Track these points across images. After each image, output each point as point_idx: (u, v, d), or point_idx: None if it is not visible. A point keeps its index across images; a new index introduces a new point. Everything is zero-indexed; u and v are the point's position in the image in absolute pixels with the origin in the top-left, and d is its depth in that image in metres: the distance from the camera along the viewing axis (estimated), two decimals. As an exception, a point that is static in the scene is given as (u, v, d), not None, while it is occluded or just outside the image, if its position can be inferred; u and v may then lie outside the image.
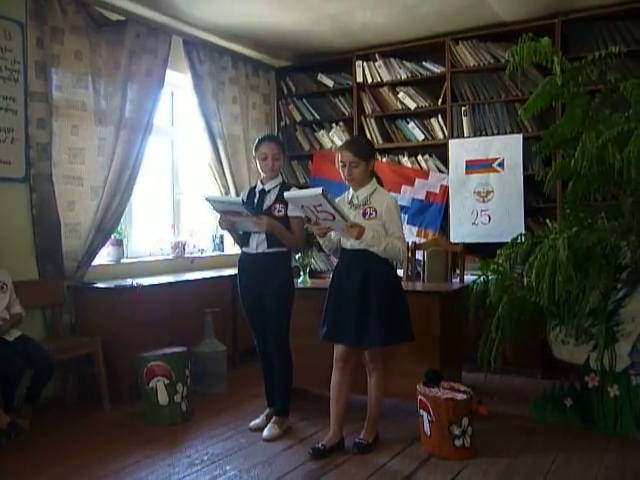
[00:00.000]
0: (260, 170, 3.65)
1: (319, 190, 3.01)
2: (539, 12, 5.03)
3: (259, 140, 3.64)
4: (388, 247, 3.20)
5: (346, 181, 3.35)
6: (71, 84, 4.36)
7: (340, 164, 3.31)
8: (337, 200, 3.37)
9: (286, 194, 3.30)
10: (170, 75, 5.15)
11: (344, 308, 3.28)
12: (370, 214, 3.26)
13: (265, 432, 3.58)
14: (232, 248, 5.87)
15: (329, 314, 3.35)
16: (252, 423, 3.74)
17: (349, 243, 3.31)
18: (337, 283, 3.36)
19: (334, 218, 3.12)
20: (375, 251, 3.20)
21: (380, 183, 3.42)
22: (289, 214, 3.50)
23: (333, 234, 3.36)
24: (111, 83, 4.60)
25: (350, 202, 3.35)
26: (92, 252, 4.52)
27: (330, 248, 3.44)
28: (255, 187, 3.69)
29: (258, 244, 3.56)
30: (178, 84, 5.48)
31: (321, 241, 3.38)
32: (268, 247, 3.54)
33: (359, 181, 3.32)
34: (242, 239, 3.65)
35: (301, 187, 6.24)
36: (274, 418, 3.66)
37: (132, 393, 4.13)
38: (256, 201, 3.59)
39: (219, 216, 3.54)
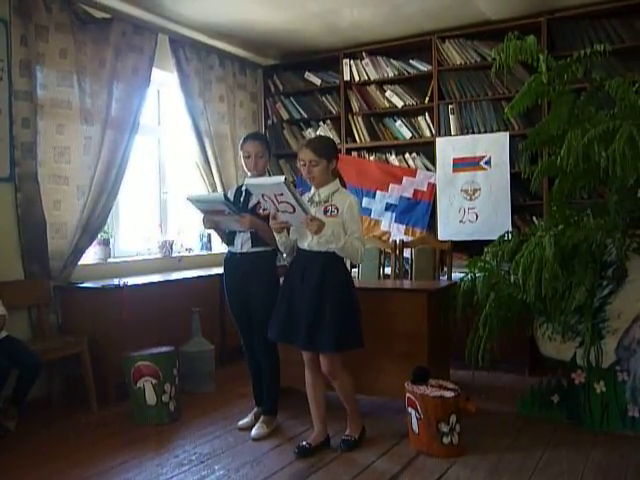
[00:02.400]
0: (245, 169, 3.64)
1: (281, 178, 2.98)
2: (525, 10, 5.05)
3: (243, 139, 3.63)
4: (347, 245, 3.15)
5: (306, 179, 3.31)
6: (56, 82, 4.32)
7: (300, 162, 3.26)
8: None
9: (247, 180, 3.28)
10: (156, 73, 5.12)
11: (297, 310, 3.23)
12: (332, 211, 3.22)
13: (253, 431, 3.57)
14: (220, 247, 5.83)
15: (280, 314, 3.30)
16: (240, 422, 3.73)
17: (306, 243, 3.25)
18: (291, 284, 3.30)
19: (294, 210, 3.07)
20: (333, 248, 3.15)
21: (343, 184, 3.37)
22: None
23: (291, 232, 3.29)
24: (97, 81, 4.56)
25: (311, 199, 3.31)
26: (78, 252, 4.49)
27: (286, 246, 3.36)
28: (241, 186, 3.68)
29: (243, 243, 3.56)
30: (164, 82, 5.46)
31: (277, 237, 3.30)
32: (252, 246, 3.53)
33: (319, 180, 3.27)
34: (228, 238, 3.65)
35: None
36: (262, 417, 3.65)
37: (119, 393, 4.11)
38: (242, 200, 3.58)
39: (203, 216, 3.53)
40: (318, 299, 3.18)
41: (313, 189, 3.34)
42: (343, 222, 3.21)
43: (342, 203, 3.23)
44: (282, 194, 3.02)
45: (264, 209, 3.28)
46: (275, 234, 3.30)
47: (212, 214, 3.46)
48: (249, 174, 3.62)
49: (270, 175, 3.68)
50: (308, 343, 3.21)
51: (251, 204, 3.54)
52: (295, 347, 3.31)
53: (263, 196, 3.15)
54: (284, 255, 3.57)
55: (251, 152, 3.55)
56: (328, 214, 3.21)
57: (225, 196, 3.39)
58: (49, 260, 4.30)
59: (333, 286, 3.20)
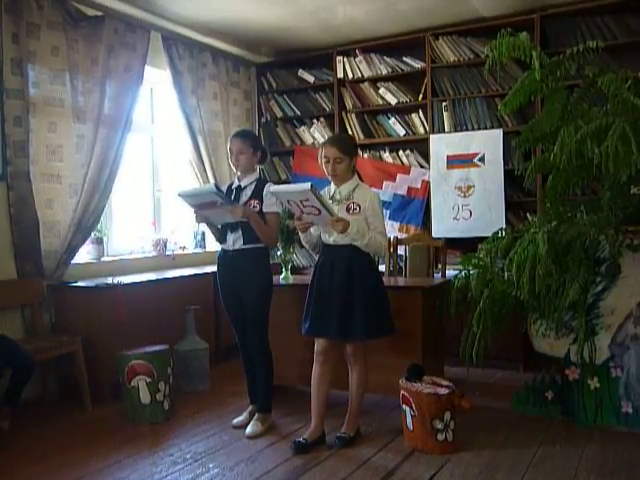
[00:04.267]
0: (232, 167, 3.69)
1: (307, 185, 3.03)
2: (518, 7, 5.06)
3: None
4: (371, 241, 3.24)
5: (329, 177, 3.36)
6: (48, 80, 4.30)
7: (324, 159, 3.31)
8: None
9: (272, 188, 3.33)
10: (149, 71, 5.11)
11: (327, 302, 3.29)
12: (354, 209, 3.28)
13: (248, 429, 3.57)
14: (214, 245, 5.82)
15: (312, 309, 3.35)
16: (235, 420, 3.73)
17: (331, 239, 3.32)
18: (320, 278, 3.36)
19: (320, 213, 3.14)
20: (358, 245, 3.23)
21: (361, 179, 3.44)
22: (264, 210, 3.50)
23: (313, 229, 3.37)
24: (89, 79, 4.54)
25: (332, 197, 3.36)
26: (72, 251, 4.47)
27: (311, 244, 3.45)
28: (232, 184, 3.70)
29: (235, 240, 3.56)
30: (157, 80, 5.44)
31: (302, 236, 3.40)
32: (244, 243, 3.54)
33: (342, 177, 3.34)
34: (220, 235, 3.65)
35: (279, 183, 6.26)
36: (257, 415, 3.65)
37: (114, 392, 4.10)
38: (232, 198, 3.59)
39: (194, 211, 3.53)
40: (348, 290, 3.25)
41: (333, 186, 3.39)
42: (366, 218, 3.28)
43: (363, 199, 3.30)
44: (308, 199, 3.09)
45: (289, 211, 3.38)
46: (300, 234, 3.39)
47: (203, 208, 3.47)
48: (236, 172, 3.66)
49: (261, 173, 3.69)
50: (340, 333, 3.27)
51: (241, 202, 3.55)
52: (328, 338, 3.33)
53: (289, 202, 3.22)
54: (310, 250, 3.61)
55: (233, 150, 3.59)
56: (351, 212, 3.28)
57: (216, 186, 3.42)
58: (42, 259, 4.28)
59: (361, 277, 3.27)
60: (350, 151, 3.33)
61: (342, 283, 3.26)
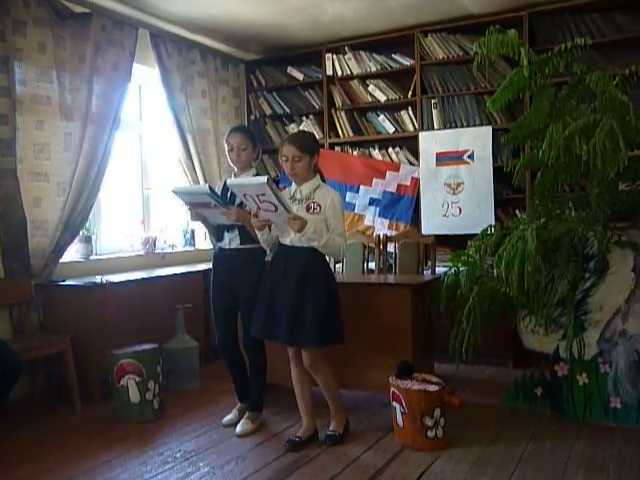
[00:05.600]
0: (230, 163, 3.62)
1: (264, 179, 2.98)
2: (507, 5, 5.07)
3: (227, 132, 3.61)
4: (329, 243, 3.18)
5: (289, 175, 3.31)
6: (35, 78, 4.26)
7: (283, 158, 3.25)
8: None
9: (229, 181, 3.27)
10: (137, 69, 5.07)
11: (278, 305, 3.24)
12: (314, 209, 3.22)
13: (238, 428, 3.56)
14: (203, 243, 5.83)
15: (262, 310, 3.30)
16: (225, 419, 3.72)
17: (288, 239, 3.26)
18: (272, 279, 3.30)
19: (276, 209, 3.07)
20: (315, 245, 3.17)
21: (322, 179, 3.37)
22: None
23: (272, 228, 3.30)
24: (76, 77, 4.51)
25: (292, 196, 3.30)
26: (60, 249, 4.45)
27: (268, 243, 3.36)
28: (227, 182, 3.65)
29: (231, 240, 3.54)
30: (146, 78, 5.40)
31: (259, 234, 3.31)
32: (241, 243, 3.51)
33: (302, 176, 3.27)
34: (217, 234, 3.62)
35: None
36: (247, 414, 3.64)
37: (103, 391, 4.08)
38: (229, 195, 3.55)
39: (188, 208, 3.50)
40: (300, 295, 3.19)
41: (294, 185, 3.34)
42: (326, 219, 3.21)
43: (324, 200, 3.23)
44: (264, 194, 3.01)
45: (245, 205, 3.27)
46: (257, 232, 3.29)
47: (198, 207, 3.43)
48: (234, 167, 3.60)
49: (255, 168, 3.65)
50: (290, 339, 3.22)
51: (237, 200, 3.52)
52: (277, 343, 3.31)
53: (245, 196, 3.14)
54: (267, 251, 3.56)
55: (233, 145, 3.52)
56: (311, 211, 3.22)
57: (210, 188, 3.35)
58: (30, 258, 4.25)
59: (315, 282, 3.20)
60: (310, 149, 3.24)
61: (295, 286, 3.19)
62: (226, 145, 3.57)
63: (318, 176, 3.35)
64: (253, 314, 3.36)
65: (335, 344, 3.26)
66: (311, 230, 3.12)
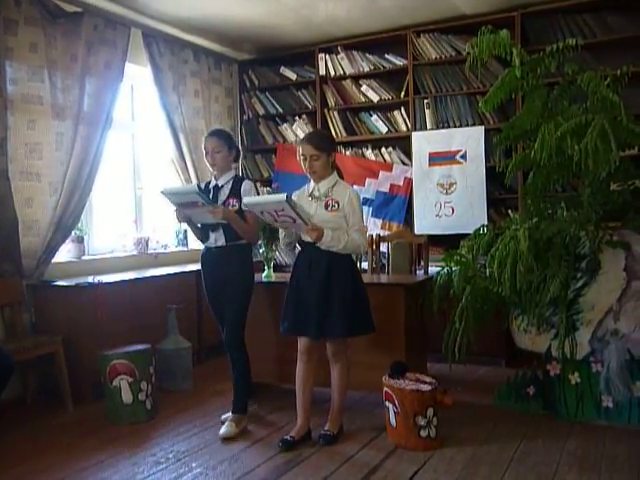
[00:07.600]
0: (209, 167, 3.69)
1: (283, 196, 3.01)
2: (499, 5, 5.09)
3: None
4: (348, 245, 3.23)
5: (307, 174, 3.35)
6: (26, 77, 4.24)
7: (301, 157, 3.31)
8: (297, 193, 3.39)
9: (246, 200, 3.31)
10: (130, 68, 5.06)
11: (306, 301, 3.28)
12: (333, 206, 3.27)
13: (222, 430, 3.51)
14: (196, 243, 5.79)
15: (290, 307, 3.35)
16: (224, 417, 3.69)
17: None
18: (298, 276, 3.35)
19: (294, 222, 3.14)
20: (335, 250, 3.23)
21: (340, 175, 3.43)
22: (243, 208, 3.48)
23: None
24: (68, 76, 4.49)
25: (311, 194, 3.35)
26: (51, 249, 4.43)
27: (290, 241, 3.44)
28: (209, 183, 3.69)
29: (217, 239, 3.57)
30: (138, 77, 5.39)
31: (285, 233, 3.40)
32: (226, 241, 3.54)
33: (320, 174, 3.32)
34: (202, 234, 3.65)
35: (261, 180, 6.24)
36: (231, 416, 3.60)
37: (95, 392, 4.06)
38: (211, 197, 3.57)
39: (175, 209, 3.51)
40: (326, 289, 3.24)
41: (312, 183, 3.38)
42: (345, 215, 3.27)
43: (342, 196, 3.28)
44: (283, 209, 3.06)
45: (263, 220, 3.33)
46: (281, 231, 3.40)
47: (185, 207, 3.46)
48: (213, 170, 3.66)
49: (236, 171, 3.68)
50: (319, 332, 3.26)
51: (220, 201, 3.55)
52: (306, 337, 3.33)
53: (262, 213, 3.19)
54: (283, 246, 3.63)
55: (208, 148, 3.59)
56: (329, 209, 3.27)
57: (199, 186, 3.42)
58: (21, 258, 4.22)
59: (339, 275, 3.26)
60: (327, 147, 3.31)
61: (321, 282, 3.25)
62: (204, 150, 3.62)
63: (335, 173, 3.39)
64: (282, 312, 3.39)
65: (365, 334, 3.36)
66: (328, 239, 3.18)
